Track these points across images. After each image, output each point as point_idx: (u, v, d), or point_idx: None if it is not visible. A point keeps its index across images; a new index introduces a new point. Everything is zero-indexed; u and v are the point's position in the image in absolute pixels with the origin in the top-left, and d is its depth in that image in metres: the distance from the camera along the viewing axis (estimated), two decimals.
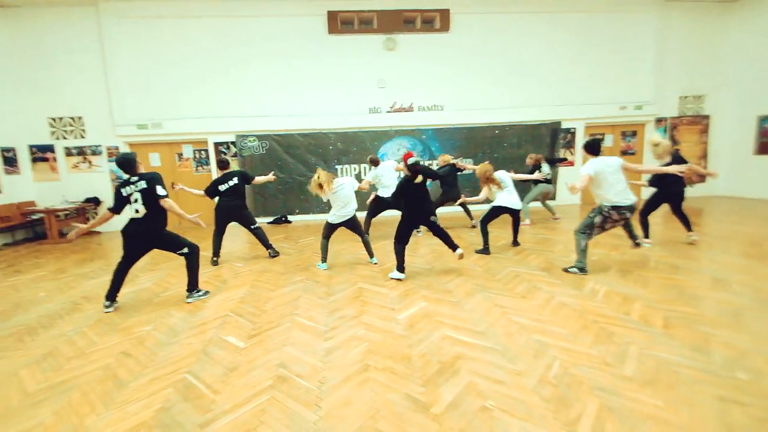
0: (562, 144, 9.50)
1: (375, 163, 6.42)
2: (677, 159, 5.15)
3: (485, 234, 5.42)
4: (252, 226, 5.53)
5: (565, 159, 7.17)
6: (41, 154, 8.43)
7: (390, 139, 9.04)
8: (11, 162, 8.07)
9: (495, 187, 5.34)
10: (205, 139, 8.80)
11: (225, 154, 8.75)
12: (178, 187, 5.36)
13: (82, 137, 8.49)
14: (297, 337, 3.16)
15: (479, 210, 7.58)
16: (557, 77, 9.32)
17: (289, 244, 6.68)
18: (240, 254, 6.02)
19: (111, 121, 8.42)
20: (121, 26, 8.22)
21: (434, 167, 7.57)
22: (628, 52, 9.40)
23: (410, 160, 4.53)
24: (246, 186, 5.60)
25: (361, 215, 5.76)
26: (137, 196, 3.70)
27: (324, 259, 5.07)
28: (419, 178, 4.51)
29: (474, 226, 7.00)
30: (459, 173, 6.72)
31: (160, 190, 3.74)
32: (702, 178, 5.27)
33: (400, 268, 4.51)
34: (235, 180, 5.42)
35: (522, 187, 5.79)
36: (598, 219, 4.28)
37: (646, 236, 5.48)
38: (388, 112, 9.10)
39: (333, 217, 4.94)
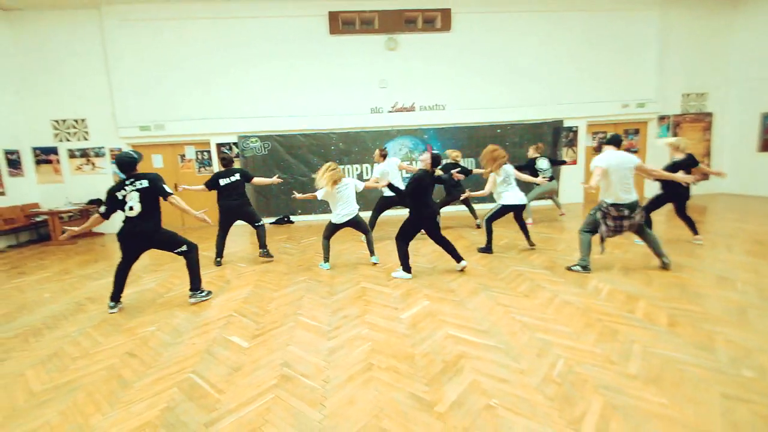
0: (564, 143, 9.48)
1: (385, 157, 6.27)
2: (691, 158, 5.14)
3: (489, 232, 5.38)
4: (256, 224, 5.52)
5: (565, 161, 7.13)
6: (45, 156, 8.47)
7: (392, 139, 9.04)
8: (15, 164, 8.11)
9: (499, 178, 5.15)
10: (208, 141, 8.83)
11: (226, 153, 8.75)
12: (181, 188, 5.39)
13: (86, 139, 8.53)
14: (300, 336, 3.17)
15: (482, 209, 7.56)
16: (559, 76, 9.30)
17: (292, 244, 6.69)
18: (243, 255, 6.03)
19: (114, 123, 8.46)
20: (124, 29, 8.25)
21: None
22: (631, 49, 9.38)
23: (434, 152, 4.49)
24: (246, 185, 5.55)
25: (365, 214, 5.75)
26: (134, 194, 3.68)
27: (326, 259, 5.08)
28: (438, 171, 4.51)
29: (479, 226, 6.98)
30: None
31: (167, 189, 3.78)
32: (705, 175, 5.25)
33: (406, 267, 4.49)
34: (237, 176, 5.40)
35: (525, 185, 5.71)
36: (598, 214, 4.26)
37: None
38: (390, 112, 9.10)
39: (337, 217, 4.94)
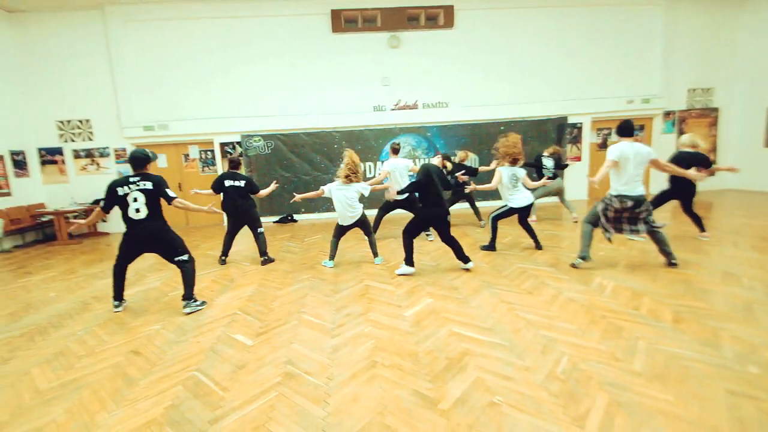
0: (568, 139, 9.43)
1: (396, 151, 6.16)
2: (701, 156, 5.10)
3: (494, 230, 5.36)
4: (257, 230, 5.43)
5: (567, 165, 7.04)
6: (50, 156, 8.54)
7: (395, 137, 9.01)
8: (21, 165, 8.17)
9: (505, 179, 5.08)
10: (211, 140, 8.86)
11: (231, 154, 8.79)
12: (193, 191, 5.42)
13: (90, 140, 8.58)
14: (304, 334, 3.18)
15: (486, 209, 7.54)
16: (563, 72, 9.25)
17: (295, 243, 6.70)
18: (247, 254, 6.04)
19: (118, 123, 8.50)
20: (127, 29, 8.29)
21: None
22: (635, 45, 9.31)
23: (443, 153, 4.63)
24: (251, 194, 5.47)
25: (371, 213, 5.73)
26: (138, 195, 3.62)
27: (331, 257, 5.09)
28: (449, 166, 4.52)
29: (483, 227, 6.93)
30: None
31: (170, 193, 3.73)
32: (712, 172, 5.17)
33: (409, 261, 4.49)
34: (242, 183, 5.32)
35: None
36: (600, 206, 4.23)
37: None
38: (393, 109, 9.09)
39: (342, 219, 4.95)
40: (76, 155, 8.59)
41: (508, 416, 2.06)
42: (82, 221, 3.89)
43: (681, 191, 5.22)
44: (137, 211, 3.64)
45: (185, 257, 3.87)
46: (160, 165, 8.83)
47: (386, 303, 3.74)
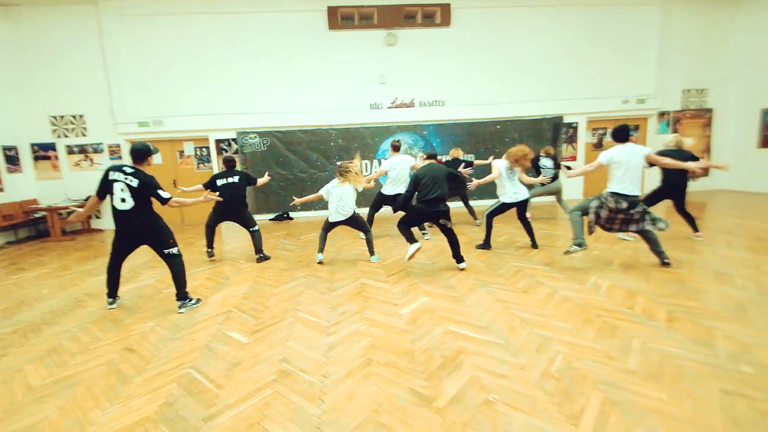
0: (564, 139, 9.46)
1: (397, 148, 6.13)
2: (686, 153, 5.13)
3: (489, 228, 5.36)
4: (251, 228, 5.38)
5: (560, 166, 7.04)
6: (43, 152, 8.44)
7: (391, 135, 9.00)
8: (13, 160, 8.08)
9: (504, 172, 5.12)
10: (206, 137, 8.80)
11: (226, 151, 8.74)
12: (179, 189, 5.37)
13: (84, 135, 8.49)
14: (300, 332, 3.17)
15: (481, 207, 7.56)
16: (559, 71, 9.26)
17: (291, 240, 6.68)
18: (243, 251, 6.02)
19: (112, 119, 8.42)
20: (121, 24, 8.20)
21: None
22: (631, 45, 9.34)
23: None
24: (248, 187, 5.43)
25: (363, 211, 5.74)
26: (124, 187, 3.52)
27: (320, 249, 5.10)
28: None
29: (479, 225, 6.95)
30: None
31: (163, 194, 3.61)
32: (705, 170, 5.21)
33: (411, 239, 4.51)
34: (236, 179, 5.24)
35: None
36: (594, 203, 4.23)
37: None
38: (389, 107, 9.07)
39: (332, 215, 4.95)
40: (70, 151, 8.50)
41: (503, 414, 2.07)
42: (80, 210, 3.84)
43: (673, 188, 5.24)
44: (122, 201, 3.54)
45: (174, 250, 3.79)
46: (155, 161, 8.71)
47: (382, 301, 3.74)
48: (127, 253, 3.84)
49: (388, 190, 6.03)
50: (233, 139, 8.78)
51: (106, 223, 8.63)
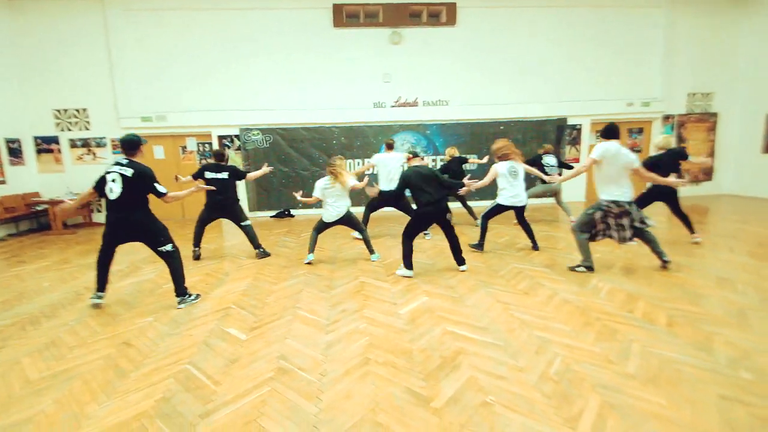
0: (567, 140, 9.43)
1: (390, 147, 6.17)
2: (675, 150, 5.19)
3: (483, 229, 5.33)
4: (242, 223, 5.30)
5: (564, 165, 7.02)
6: (46, 145, 8.46)
7: (394, 134, 8.98)
8: (16, 153, 8.10)
9: (502, 172, 5.11)
10: (209, 133, 8.79)
11: (228, 147, 8.74)
12: (180, 179, 5.35)
13: (87, 129, 8.50)
14: (298, 329, 3.16)
15: (480, 208, 7.52)
16: (564, 73, 9.23)
17: (292, 238, 6.68)
18: (243, 248, 6.02)
19: (116, 114, 8.43)
20: (126, 18, 8.21)
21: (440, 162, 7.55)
22: (636, 48, 9.29)
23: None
24: (238, 182, 5.37)
25: (358, 210, 5.70)
26: (117, 177, 3.47)
27: (310, 250, 5.03)
28: (418, 161, 4.60)
29: (478, 225, 6.91)
30: (464, 164, 6.86)
31: (160, 188, 3.58)
32: (696, 177, 5.23)
33: (408, 264, 4.40)
34: (225, 174, 5.16)
35: (530, 180, 5.63)
36: (598, 214, 4.10)
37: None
38: (393, 106, 9.05)
39: (326, 214, 4.93)
40: (73, 144, 8.51)
41: (501, 416, 2.06)
42: (70, 202, 3.83)
43: (663, 191, 5.18)
44: (111, 190, 3.48)
45: (169, 247, 3.74)
46: (158, 156, 8.77)
47: (381, 300, 3.73)
48: (116, 245, 3.75)
49: (383, 186, 5.99)
50: (236, 136, 8.78)
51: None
